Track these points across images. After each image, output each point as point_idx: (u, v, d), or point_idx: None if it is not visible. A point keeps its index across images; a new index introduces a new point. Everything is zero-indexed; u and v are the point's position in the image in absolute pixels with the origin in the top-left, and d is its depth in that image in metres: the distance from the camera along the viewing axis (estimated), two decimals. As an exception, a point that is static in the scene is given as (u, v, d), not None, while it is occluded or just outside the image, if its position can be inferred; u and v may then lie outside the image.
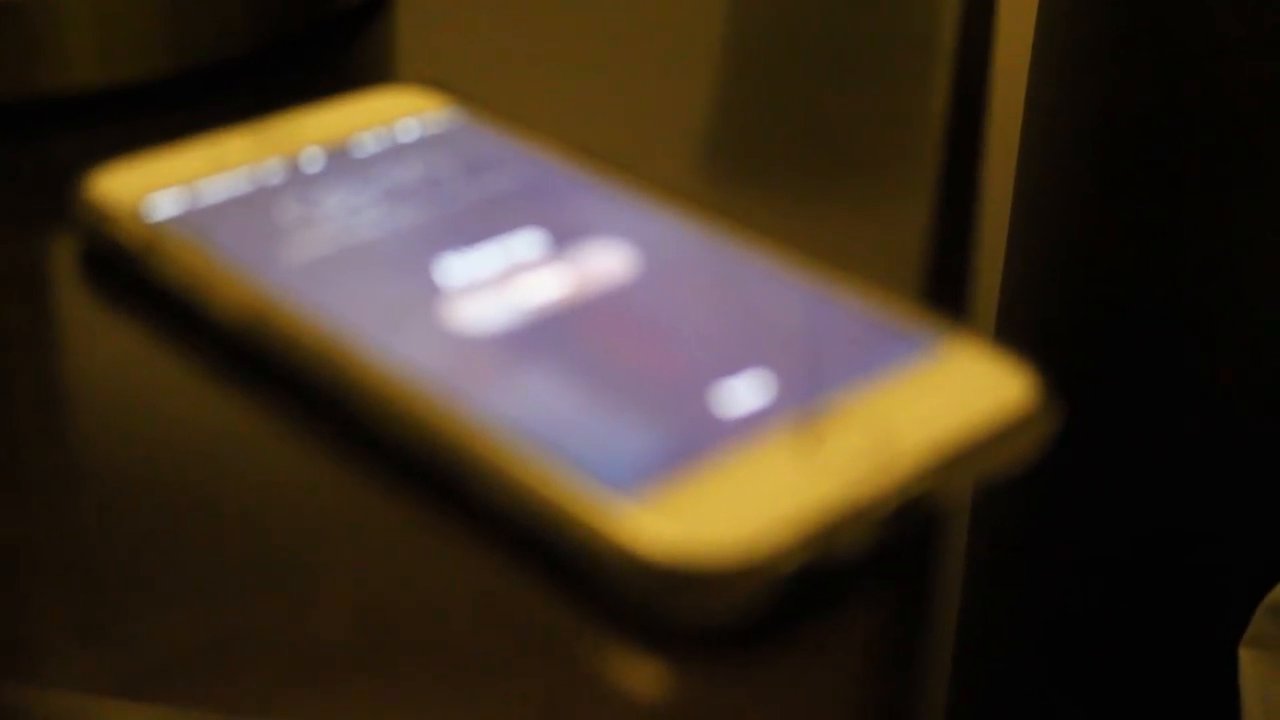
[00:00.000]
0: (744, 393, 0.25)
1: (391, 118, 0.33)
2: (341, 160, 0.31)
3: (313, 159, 0.31)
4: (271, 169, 0.31)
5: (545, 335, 0.26)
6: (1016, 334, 0.78)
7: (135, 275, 0.29)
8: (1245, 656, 0.63)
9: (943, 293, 0.31)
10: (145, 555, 0.23)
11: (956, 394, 0.25)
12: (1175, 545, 0.74)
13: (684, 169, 0.36)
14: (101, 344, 0.29)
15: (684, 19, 0.42)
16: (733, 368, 0.25)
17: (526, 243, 0.29)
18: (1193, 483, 0.73)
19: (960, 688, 0.81)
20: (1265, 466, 0.71)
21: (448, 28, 0.41)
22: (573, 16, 0.42)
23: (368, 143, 0.32)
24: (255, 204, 0.30)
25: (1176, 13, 0.69)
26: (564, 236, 0.29)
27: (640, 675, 0.22)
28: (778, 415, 0.24)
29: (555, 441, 0.24)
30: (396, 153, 0.32)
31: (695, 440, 0.24)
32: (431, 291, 0.27)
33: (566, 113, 0.37)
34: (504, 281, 0.28)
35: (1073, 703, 0.79)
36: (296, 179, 0.31)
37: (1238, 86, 0.69)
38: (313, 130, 0.32)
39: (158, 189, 0.30)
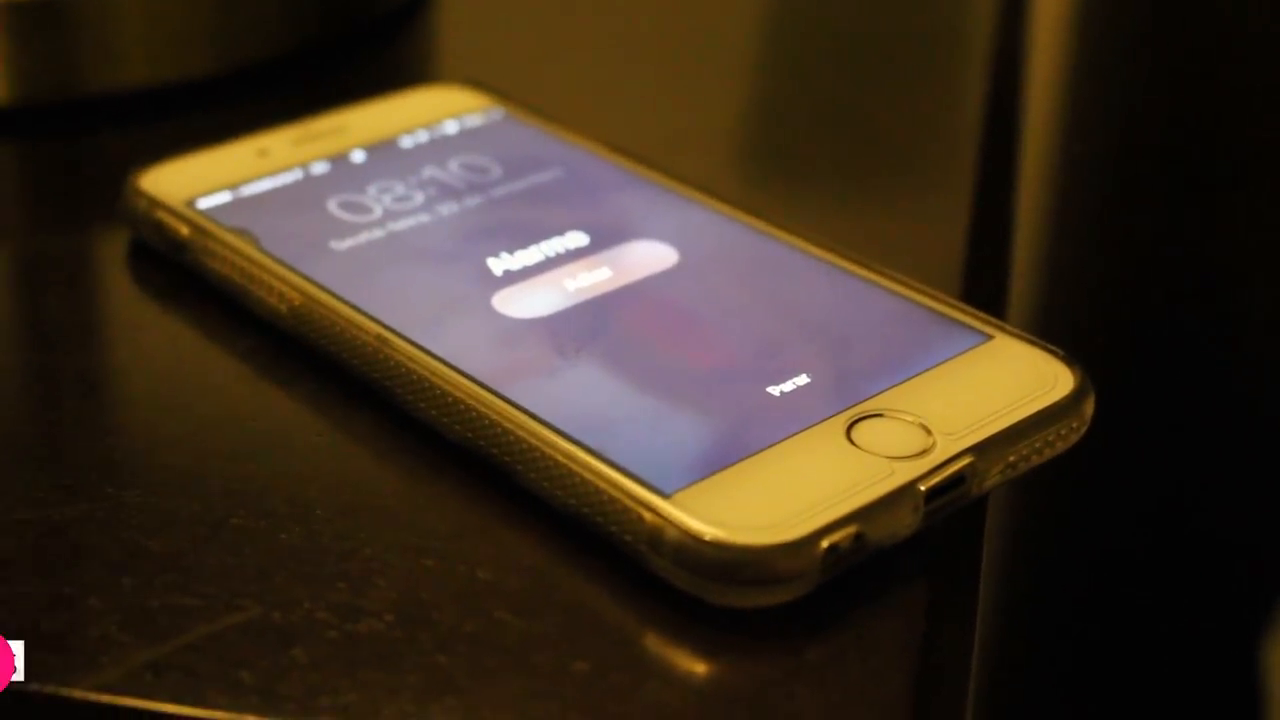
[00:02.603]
0: (789, 383, 0.25)
1: (434, 114, 0.33)
2: (385, 155, 0.32)
3: (357, 155, 0.32)
4: (316, 165, 0.31)
5: (593, 328, 0.26)
6: (1052, 327, 0.77)
7: (183, 268, 0.29)
8: (1271, 652, 0.62)
9: (983, 286, 0.31)
10: (193, 546, 0.24)
11: (1000, 383, 0.25)
12: (1202, 542, 0.74)
13: (723, 165, 0.36)
14: (150, 336, 0.30)
15: (723, 17, 0.42)
16: (777, 358, 0.25)
17: (570, 238, 0.29)
18: (1219, 479, 0.73)
19: (994, 675, 0.81)
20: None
21: (489, 25, 0.42)
22: (612, 14, 0.42)
23: (411, 138, 0.32)
24: (300, 199, 0.30)
25: (1211, 12, 0.69)
26: (607, 231, 0.29)
27: (688, 658, 0.22)
28: (823, 405, 0.24)
29: (603, 429, 0.24)
30: (439, 148, 0.32)
31: (741, 428, 0.24)
32: (476, 285, 0.28)
33: (607, 109, 0.37)
34: (548, 276, 0.28)
35: (1097, 696, 0.78)
36: (341, 174, 0.31)
37: (1271, 87, 0.68)
38: (357, 126, 0.32)
39: (204, 184, 0.30)
